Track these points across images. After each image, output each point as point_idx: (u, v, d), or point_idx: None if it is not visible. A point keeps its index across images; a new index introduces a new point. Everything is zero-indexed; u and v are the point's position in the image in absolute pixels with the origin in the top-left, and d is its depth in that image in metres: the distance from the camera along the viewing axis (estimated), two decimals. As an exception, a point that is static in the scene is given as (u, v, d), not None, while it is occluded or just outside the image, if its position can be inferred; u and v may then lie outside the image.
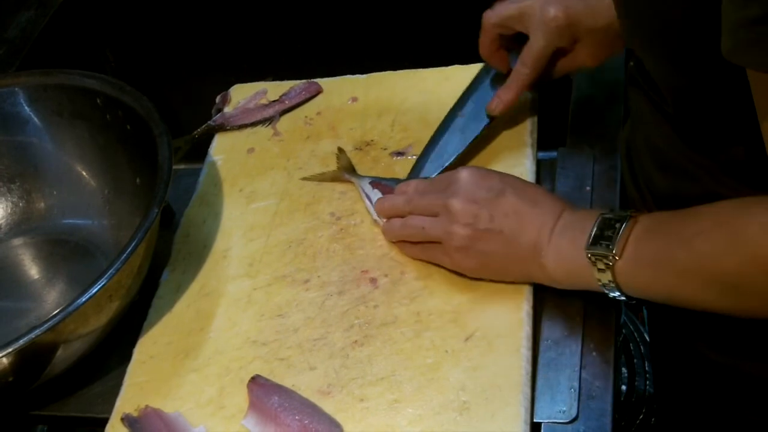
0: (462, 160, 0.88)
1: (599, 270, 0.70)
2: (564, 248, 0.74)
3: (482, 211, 0.76)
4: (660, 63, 0.71)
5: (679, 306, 0.70)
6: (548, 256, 0.74)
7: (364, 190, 0.88)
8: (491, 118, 0.89)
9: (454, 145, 0.89)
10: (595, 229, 0.71)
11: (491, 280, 0.79)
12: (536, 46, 0.84)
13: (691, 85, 0.69)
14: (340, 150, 0.93)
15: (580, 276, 0.72)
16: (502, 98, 0.87)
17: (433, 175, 0.87)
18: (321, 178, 0.93)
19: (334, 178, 0.92)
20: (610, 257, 0.69)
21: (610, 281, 0.70)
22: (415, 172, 0.89)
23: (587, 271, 0.71)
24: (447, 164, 0.87)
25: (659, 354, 1.02)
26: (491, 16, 0.86)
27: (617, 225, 0.70)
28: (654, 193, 0.82)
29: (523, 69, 0.86)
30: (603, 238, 0.70)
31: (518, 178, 0.80)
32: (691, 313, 0.70)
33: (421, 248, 0.82)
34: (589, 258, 0.71)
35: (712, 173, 0.73)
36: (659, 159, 0.79)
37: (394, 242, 0.84)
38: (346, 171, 0.91)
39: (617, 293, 0.71)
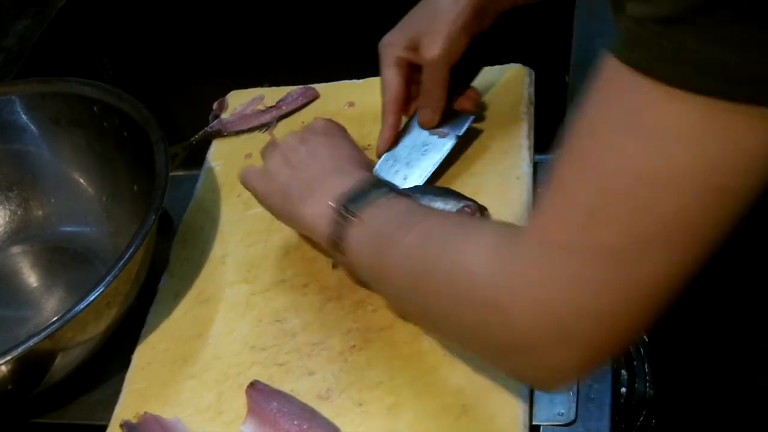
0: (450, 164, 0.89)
1: (336, 225, 0.72)
2: (322, 194, 0.75)
3: (300, 143, 0.81)
4: None
5: (378, 290, 0.74)
6: (309, 199, 0.76)
7: None
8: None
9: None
10: (356, 185, 0.73)
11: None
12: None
13: None
14: None
15: (320, 228, 0.74)
16: (383, 137, 0.89)
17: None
18: None
19: None
20: (350, 214, 0.71)
21: (340, 238, 0.72)
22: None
23: (327, 222, 0.73)
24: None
25: (657, 357, 1.02)
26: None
27: (376, 190, 0.72)
28: None
29: (385, 117, 0.88)
30: (355, 197, 0.72)
31: (354, 146, 0.84)
32: (687, 318, 0.70)
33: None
34: (333, 209, 0.72)
35: None
36: None
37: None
38: None
39: (341, 256, 0.73)
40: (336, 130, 0.86)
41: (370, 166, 0.84)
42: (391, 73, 0.85)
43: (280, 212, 0.82)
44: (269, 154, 0.83)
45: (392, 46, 0.84)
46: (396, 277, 0.67)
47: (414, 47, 0.83)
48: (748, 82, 0.45)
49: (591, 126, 0.52)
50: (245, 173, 0.85)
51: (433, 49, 0.82)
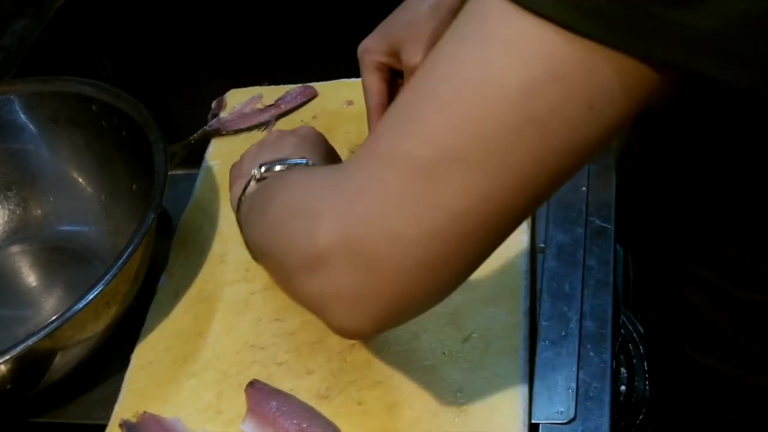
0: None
1: (242, 187, 0.76)
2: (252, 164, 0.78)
3: (276, 137, 0.84)
4: None
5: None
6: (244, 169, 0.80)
7: None
8: None
9: None
10: (275, 160, 0.75)
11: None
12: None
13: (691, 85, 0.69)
14: None
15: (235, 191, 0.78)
16: None
17: None
18: None
19: None
20: (253, 178, 0.75)
21: (240, 199, 0.76)
22: None
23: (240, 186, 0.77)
24: None
25: (654, 346, 1.02)
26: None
27: (282, 163, 0.75)
28: None
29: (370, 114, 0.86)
30: (269, 167, 0.75)
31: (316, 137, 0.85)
32: (678, 313, 0.69)
33: None
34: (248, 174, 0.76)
35: None
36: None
37: None
38: None
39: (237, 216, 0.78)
40: (316, 136, 0.86)
41: (333, 154, 0.86)
42: (374, 79, 0.84)
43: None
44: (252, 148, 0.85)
45: (372, 52, 0.83)
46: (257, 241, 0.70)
47: (394, 53, 0.82)
48: (597, 17, 0.43)
49: (444, 37, 0.49)
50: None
51: (415, 56, 0.81)
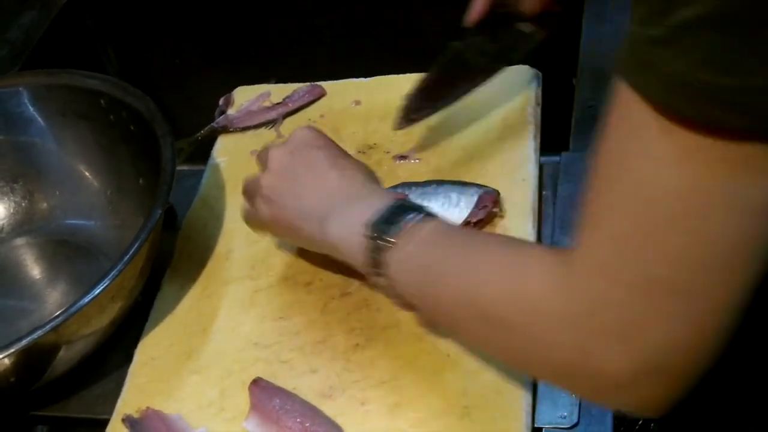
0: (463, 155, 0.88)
1: (371, 250, 0.69)
2: (349, 218, 0.72)
3: (291, 159, 0.78)
4: None
5: (432, 318, 0.71)
6: (332, 222, 0.74)
7: None
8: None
9: None
10: (385, 210, 0.70)
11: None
12: None
13: None
14: None
15: (354, 253, 0.71)
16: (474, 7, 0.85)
17: None
18: None
19: None
20: (386, 240, 0.68)
21: (378, 263, 0.69)
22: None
23: (361, 248, 0.70)
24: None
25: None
26: None
27: (408, 214, 0.69)
28: None
29: None
30: (387, 221, 0.69)
31: (343, 152, 0.81)
32: None
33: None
34: (366, 235, 0.69)
35: None
36: None
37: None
38: None
39: (382, 281, 0.70)
40: (323, 139, 0.82)
41: (375, 176, 0.82)
42: None
43: (299, 240, 0.81)
44: (266, 179, 0.79)
45: None
46: (453, 310, 0.65)
47: None
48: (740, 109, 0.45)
49: (611, 151, 0.52)
50: (246, 214, 0.84)
51: None
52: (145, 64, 1.31)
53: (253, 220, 0.84)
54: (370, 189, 0.77)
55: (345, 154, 0.81)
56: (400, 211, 0.69)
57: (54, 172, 1.00)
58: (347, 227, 0.72)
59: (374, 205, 0.71)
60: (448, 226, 0.70)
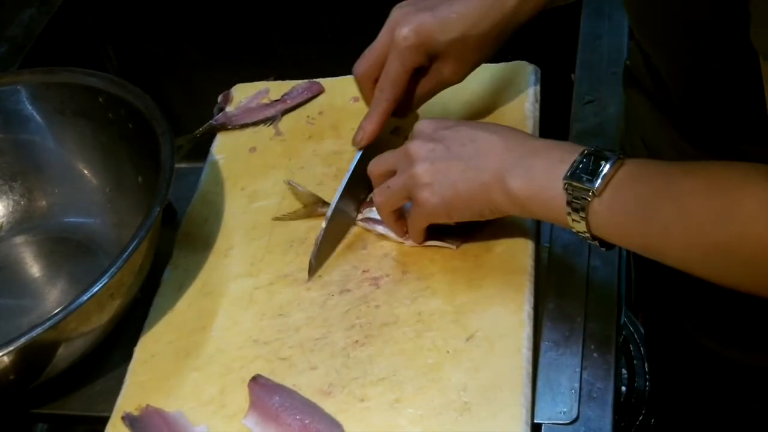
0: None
1: (572, 204, 0.68)
2: (537, 173, 0.71)
3: (437, 145, 0.76)
4: (672, 56, 0.70)
5: (653, 258, 0.67)
6: (515, 180, 0.72)
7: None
8: (361, 150, 0.86)
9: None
10: (577, 160, 0.68)
11: (472, 234, 0.80)
12: (391, 70, 0.82)
13: (702, 79, 0.69)
14: (292, 185, 0.92)
15: (550, 208, 0.70)
16: (365, 129, 0.85)
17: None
18: (294, 216, 0.91)
19: (308, 214, 0.90)
20: (589, 193, 0.67)
21: (582, 218, 0.68)
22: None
23: (559, 203, 0.69)
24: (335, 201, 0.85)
25: (655, 345, 1.02)
26: (359, 67, 0.85)
27: (602, 162, 0.67)
28: None
29: (380, 95, 0.83)
30: (585, 171, 0.67)
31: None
32: (682, 296, 0.69)
33: (408, 219, 0.81)
34: (566, 189, 0.68)
35: None
36: (658, 158, 0.79)
37: (417, 242, 0.83)
38: (317, 205, 0.90)
39: (587, 234, 0.69)
40: (451, 120, 0.80)
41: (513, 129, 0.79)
42: (403, 72, 0.82)
43: (472, 212, 0.77)
44: (418, 168, 0.76)
45: (411, 46, 0.80)
46: (675, 252, 0.65)
47: (430, 55, 0.82)
48: None
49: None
50: (417, 213, 0.79)
51: (457, 74, 0.83)
52: (143, 62, 1.31)
53: (418, 220, 0.80)
54: (541, 142, 0.74)
55: (482, 123, 0.80)
56: (592, 160, 0.68)
57: (53, 170, 1.00)
58: (537, 182, 0.71)
59: (560, 157, 0.70)
60: (642, 165, 0.68)
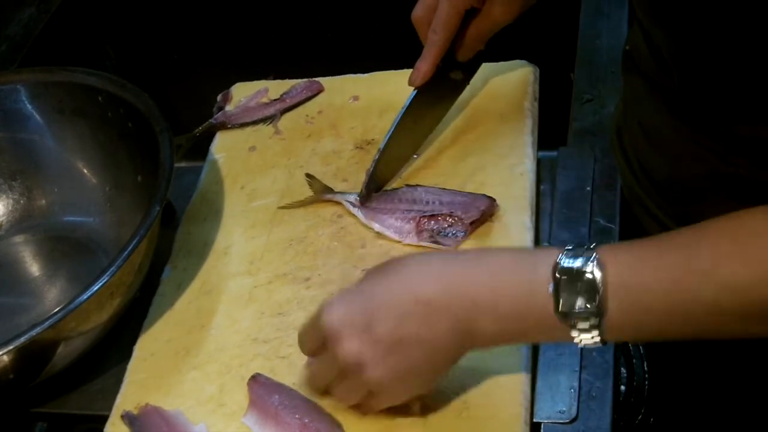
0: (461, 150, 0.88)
1: (578, 328, 0.60)
2: (502, 317, 0.62)
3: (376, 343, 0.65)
4: (673, 34, 0.70)
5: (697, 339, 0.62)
6: (481, 333, 0.63)
7: (349, 208, 0.88)
8: (416, 89, 0.88)
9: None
10: (555, 284, 0.60)
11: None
12: (443, 12, 0.83)
13: (702, 57, 0.68)
14: (309, 176, 0.92)
15: (548, 336, 0.64)
16: (419, 69, 0.87)
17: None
18: (300, 204, 0.91)
19: (314, 201, 0.91)
20: (594, 318, 0.59)
21: (594, 336, 0.60)
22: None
23: (561, 334, 0.61)
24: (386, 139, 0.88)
25: (654, 345, 1.02)
26: (415, 11, 0.86)
27: (583, 272, 0.59)
28: (651, 177, 0.81)
29: (433, 36, 0.84)
30: (573, 291, 0.59)
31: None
32: None
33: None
34: (563, 321, 0.60)
35: (716, 153, 0.72)
36: (656, 141, 0.79)
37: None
38: (324, 192, 0.91)
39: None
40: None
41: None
42: (454, 14, 0.83)
43: (428, 378, 0.68)
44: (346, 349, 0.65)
45: None
46: (727, 324, 0.60)
47: None
48: None
49: None
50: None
51: (508, 14, 0.83)
52: (143, 61, 1.31)
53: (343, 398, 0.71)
54: (493, 284, 0.63)
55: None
56: (573, 277, 0.59)
57: (52, 169, 1.00)
58: (512, 324, 0.63)
59: (529, 290, 0.61)
60: (628, 250, 0.61)
